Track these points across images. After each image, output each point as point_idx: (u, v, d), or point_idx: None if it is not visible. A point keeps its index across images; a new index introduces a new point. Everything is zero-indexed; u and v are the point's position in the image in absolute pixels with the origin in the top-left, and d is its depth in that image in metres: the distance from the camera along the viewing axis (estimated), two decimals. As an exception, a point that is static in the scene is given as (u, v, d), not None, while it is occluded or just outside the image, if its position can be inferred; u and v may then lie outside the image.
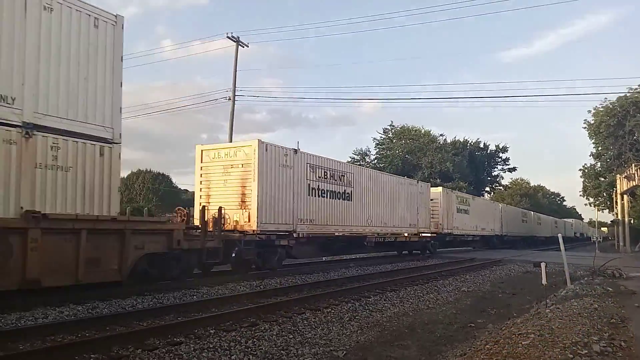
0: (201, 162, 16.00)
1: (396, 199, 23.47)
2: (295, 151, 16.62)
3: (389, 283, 13.15)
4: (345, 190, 19.37)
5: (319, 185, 17.72)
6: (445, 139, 57.54)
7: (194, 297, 10.52)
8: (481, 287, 14.06)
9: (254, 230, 14.70)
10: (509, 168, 66.80)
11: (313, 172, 17.46)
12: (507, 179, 73.64)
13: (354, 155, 54.16)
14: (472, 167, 58.24)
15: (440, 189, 30.05)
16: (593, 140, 46.20)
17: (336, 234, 18.87)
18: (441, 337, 7.53)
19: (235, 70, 30.43)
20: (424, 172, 49.25)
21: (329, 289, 11.56)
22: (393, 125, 55.62)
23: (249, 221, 14.82)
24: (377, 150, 55.10)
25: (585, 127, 46.07)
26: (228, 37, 30.07)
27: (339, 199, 18.97)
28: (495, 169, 67.31)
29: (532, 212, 54.18)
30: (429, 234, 27.38)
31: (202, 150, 16.06)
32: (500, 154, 65.61)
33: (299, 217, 16.59)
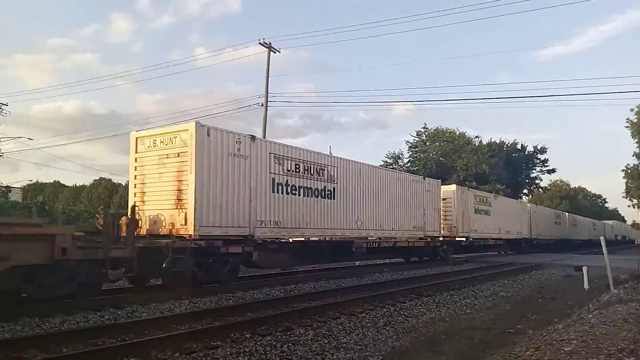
0: (136, 153, 13.10)
1: (395, 197, 20.10)
2: (253, 138, 13.54)
3: (425, 288, 12.96)
4: (325, 187, 16.16)
5: (287, 181, 14.59)
6: (481, 141, 55.54)
7: (230, 301, 10.65)
8: (520, 291, 13.73)
9: (190, 235, 11.68)
10: (548, 169, 64.23)
11: (279, 164, 14.34)
12: (546, 180, 71.31)
13: (387, 159, 52.49)
14: (509, 169, 56.20)
15: (453, 186, 26.43)
16: (636, 140, 42.01)
17: (312, 238, 15.70)
18: (479, 343, 7.41)
19: (268, 76, 30.33)
20: (459, 175, 47.59)
21: (363, 294, 11.43)
22: (427, 128, 53.78)
23: (185, 224, 11.81)
24: (411, 153, 53.33)
25: (627, 126, 41.96)
26: (260, 44, 30.18)
27: (318, 197, 15.78)
28: (534, 171, 64.89)
29: (566, 214, 49.59)
30: (440, 238, 23.85)
31: (136, 138, 13.16)
32: (539, 155, 63.18)
33: (258, 219, 13.49)
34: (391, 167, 47.47)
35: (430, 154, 51.34)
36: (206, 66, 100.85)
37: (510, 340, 7.47)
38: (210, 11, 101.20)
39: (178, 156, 12.18)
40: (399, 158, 52.84)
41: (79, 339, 6.72)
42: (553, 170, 64.56)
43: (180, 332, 7.15)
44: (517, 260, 25.39)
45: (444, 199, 25.73)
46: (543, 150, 62.83)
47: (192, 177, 11.77)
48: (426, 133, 53.62)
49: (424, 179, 22.75)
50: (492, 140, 57.92)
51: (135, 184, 13.03)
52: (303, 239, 15.34)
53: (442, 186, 26.33)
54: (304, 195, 15.18)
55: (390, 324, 8.52)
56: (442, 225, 25.32)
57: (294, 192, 14.79)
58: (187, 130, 12.03)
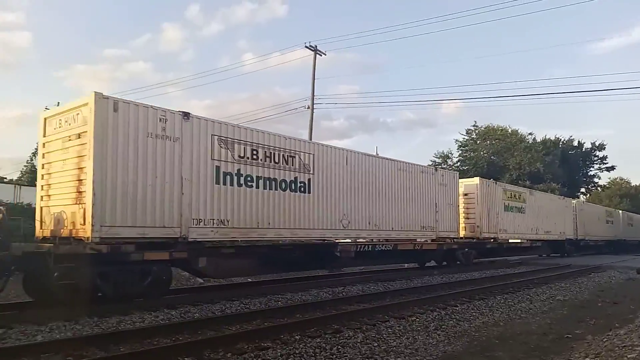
0: (43, 136, 10.64)
1: (397, 192, 16.92)
2: (187, 115, 10.80)
3: (477, 291, 12.58)
4: (297, 179, 13.25)
5: (239, 170, 11.78)
6: (535, 138, 53.49)
7: (279, 302, 10.66)
8: (578, 295, 13.24)
9: (87, 238, 9.07)
10: (606, 167, 61.26)
11: (227, 149, 11.56)
12: (604, 179, 67.85)
13: (435, 159, 51.42)
14: (565, 167, 53.82)
15: (476, 180, 22.82)
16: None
17: (281, 241, 12.86)
18: (535, 349, 7.17)
19: (314, 79, 30.34)
20: (511, 174, 46.13)
21: (413, 297, 11.28)
22: (477, 126, 52.51)
23: (84, 223, 9.22)
24: (460, 152, 52.08)
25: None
26: (306, 47, 30.44)
27: (285, 190, 12.89)
28: (592, 169, 62.20)
29: (620, 212, 44.39)
30: (459, 240, 20.41)
31: (45, 119, 10.69)
32: (597, 152, 60.34)
33: (194, 217, 10.76)
34: (440, 166, 46.08)
35: (481, 153, 50.18)
36: (253, 71, 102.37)
37: (567, 346, 7.28)
38: (257, 17, 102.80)
39: (79, 137, 9.63)
40: (448, 157, 51.82)
41: (135, 339, 6.83)
42: (612, 168, 61.77)
43: (232, 333, 7.23)
44: (577, 262, 24.24)
45: (465, 195, 22.33)
46: (601, 147, 59.85)
47: (90, 163, 9.16)
48: (476, 131, 52.36)
49: (436, 170, 19.36)
50: (547, 137, 55.44)
51: (42, 175, 10.58)
52: (273, 239, 12.46)
53: (462, 180, 22.92)
54: (264, 188, 12.32)
55: (441, 327, 8.35)
56: (462, 225, 22.02)
57: (249, 183, 11.97)
58: (87, 104, 9.43)
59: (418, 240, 17.95)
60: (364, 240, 15.56)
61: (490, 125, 52.02)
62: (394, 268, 19.34)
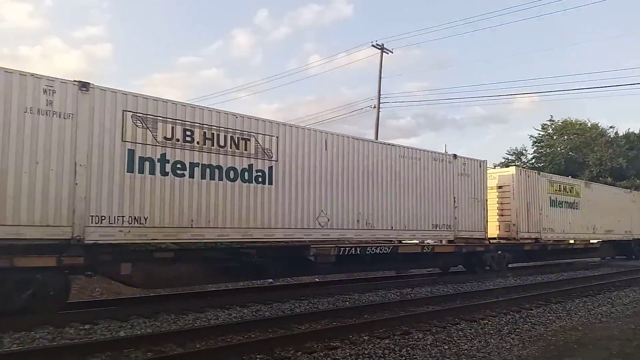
0: None
1: (397, 183, 14.05)
2: (85, 85, 8.62)
3: (554, 294, 12.09)
4: (252, 166, 10.82)
5: (163, 155, 9.51)
6: (617, 132, 48.54)
7: (347, 303, 10.71)
8: None
9: None
10: None
11: (145, 128, 9.31)
12: None
13: (508, 155, 48.37)
14: None
15: (512, 169, 19.28)
16: None
17: (221, 241, 10.52)
18: (617, 355, 6.87)
19: (380, 78, 30.00)
20: (591, 171, 42.75)
21: (485, 300, 10.92)
22: (553, 120, 48.55)
23: None
24: (535, 148, 48.55)
25: None
26: (373, 46, 30.08)
27: (235, 180, 10.52)
28: None
29: None
30: (487, 241, 17.18)
31: None
32: None
33: (95, 214, 8.62)
34: (513, 164, 44.12)
35: (558, 149, 46.73)
36: (320, 73, 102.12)
37: (653, 353, 6.90)
38: (323, 18, 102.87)
39: None
40: (522, 154, 48.90)
41: (210, 336, 6.99)
42: None
43: (301, 332, 7.31)
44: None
45: (499, 187, 18.99)
46: (692, 141, 53.41)
47: None
48: (553, 126, 48.66)
49: (455, 157, 16.17)
50: (630, 130, 49.85)
51: None
52: (217, 240, 10.17)
53: (494, 170, 19.60)
54: (202, 178, 9.99)
55: (515, 331, 8.10)
56: (496, 224, 18.70)
57: (179, 172, 9.68)
58: None
59: (428, 241, 14.98)
60: (351, 242, 12.85)
61: (567, 119, 48.02)
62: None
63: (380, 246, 13.38)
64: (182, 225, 9.65)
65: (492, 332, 8.03)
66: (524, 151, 48.72)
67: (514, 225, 18.54)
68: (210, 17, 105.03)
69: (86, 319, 8.11)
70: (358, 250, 12.80)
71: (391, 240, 13.82)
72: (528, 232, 19.07)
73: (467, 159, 16.70)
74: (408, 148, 14.64)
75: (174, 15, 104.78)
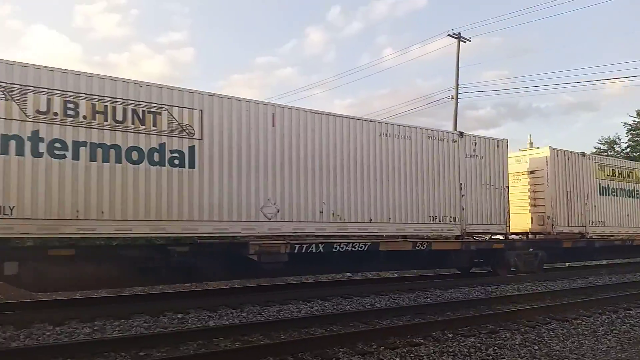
0: None
1: (377, 166, 11.66)
2: None
3: None
4: (164, 145, 8.97)
5: (36, 132, 7.87)
6: None
7: (428, 299, 10.33)
8: None
9: None
10: None
11: (11, 100, 7.72)
12: None
13: (599, 144, 44.57)
14: None
15: (545, 150, 15.94)
16: None
17: (125, 236, 8.75)
18: None
19: (457, 68, 29.22)
20: None
21: (577, 298, 10.14)
22: None
23: None
24: (630, 137, 44.36)
25: None
26: (449, 35, 29.24)
27: (140, 162, 8.72)
28: None
29: None
30: (509, 236, 14.25)
31: None
32: None
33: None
34: (605, 153, 40.10)
35: None
36: (393, 66, 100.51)
37: None
38: (397, 11, 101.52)
39: None
40: (615, 143, 44.91)
41: (293, 327, 7.06)
42: None
43: (384, 327, 7.20)
44: None
45: (531, 172, 15.90)
46: None
47: None
48: None
49: (462, 135, 13.35)
50: None
51: None
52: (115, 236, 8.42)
53: (523, 152, 16.50)
54: (92, 160, 8.23)
55: (612, 332, 7.47)
56: (529, 216, 15.65)
57: (57, 152, 7.97)
58: None
59: (423, 236, 12.37)
60: (311, 238, 10.60)
61: (666, 103, 43.43)
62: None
63: (354, 242, 11.00)
64: (63, 217, 7.94)
65: (586, 332, 7.52)
66: (617, 140, 44.76)
67: (548, 217, 15.33)
68: (285, 17, 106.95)
69: (179, 308, 8.38)
70: (321, 247, 10.52)
71: (369, 236, 11.40)
72: (568, 225, 15.74)
73: (480, 137, 13.84)
74: (393, 125, 12.15)
75: (251, 18, 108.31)
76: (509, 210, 14.11)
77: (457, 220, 12.91)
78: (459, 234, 12.94)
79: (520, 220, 15.93)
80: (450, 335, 6.87)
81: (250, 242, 9.62)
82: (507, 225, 14.04)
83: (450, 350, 6.21)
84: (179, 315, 7.95)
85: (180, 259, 9.21)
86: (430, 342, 6.54)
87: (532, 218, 15.82)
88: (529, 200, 15.90)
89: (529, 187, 15.95)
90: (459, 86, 29.64)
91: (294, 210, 10.29)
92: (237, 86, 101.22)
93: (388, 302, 9.66)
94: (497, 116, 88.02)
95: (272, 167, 10.08)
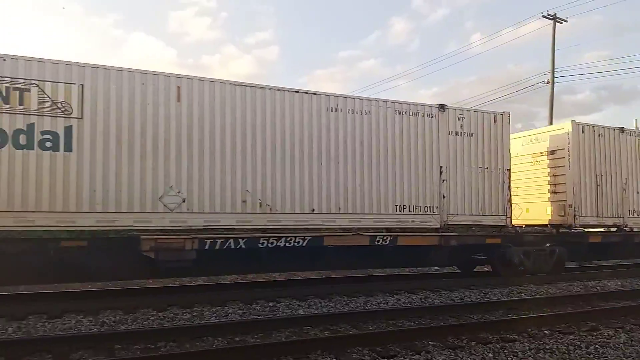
0: None
1: (321, 145, 9.83)
2: None
3: None
4: (32, 126, 7.81)
5: None
6: None
7: (522, 294, 9.78)
8: None
9: None
10: None
11: None
12: None
13: None
14: None
15: (567, 125, 13.05)
16: None
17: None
18: None
19: (553, 50, 28.21)
20: None
21: None
22: None
23: None
24: None
25: None
26: (544, 16, 28.19)
27: (1, 146, 7.61)
28: None
29: None
30: (509, 229, 11.82)
31: None
32: None
33: None
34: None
35: None
36: (482, 52, 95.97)
37: None
38: None
39: None
40: None
41: (381, 319, 7.09)
42: None
43: (475, 322, 7.08)
44: None
45: (551, 153, 13.23)
46: None
47: None
48: None
49: (443, 109, 11.02)
50: None
51: None
52: None
53: (545, 127, 13.86)
54: None
55: None
56: (549, 206, 13.06)
57: None
58: None
59: (385, 229, 10.34)
60: (230, 232, 9.03)
61: None
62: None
63: (288, 237, 9.29)
64: None
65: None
66: None
67: (569, 206, 12.59)
68: (369, 10, 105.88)
69: (270, 296, 8.70)
70: (242, 242, 8.94)
71: (311, 229, 9.61)
72: (598, 216, 12.88)
73: (469, 111, 11.52)
74: (346, 98, 10.20)
75: (334, 12, 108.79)
76: (510, 198, 11.62)
77: (435, 210, 10.74)
78: (438, 226, 10.76)
79: (540, 210, 13.34)
80: (547, 332, 6.56)
81: (143, 237, 8.26)
82: (508, 216, 11.57)
83: (547, 347, 5.93)
84: (270, 304, 8.23)
85: (63, 255, 8.05)
86: (525, 338, 6.27)
87: (552, 208, 13.12)
88: (548, 187, 13.21)
89: (548, 170, 13.25)
90: (555, 69, 28.43)
91: (207, 200, 8.77)
92: (320, 81, 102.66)
93: (479, 297, 9.36)
94: (598, 100, 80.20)
95: (176, 150, 8.62)
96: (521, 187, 13.99)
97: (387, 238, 10.17)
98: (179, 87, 8.72)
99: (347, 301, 8.53)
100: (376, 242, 10.07)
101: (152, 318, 7.12)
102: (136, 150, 8.35)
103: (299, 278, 11.93)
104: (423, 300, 8.93)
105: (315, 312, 7.74)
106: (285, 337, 6.12)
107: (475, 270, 13.04)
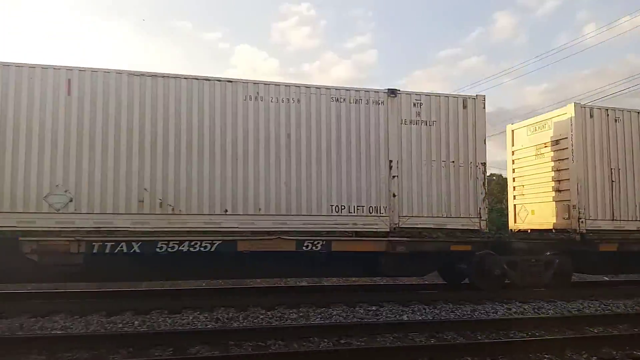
0: None
1: (238, 138, 8.83)
2: None
3: None
4: None
5: None
6: None
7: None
8: None
9: None
10: None
11: None
12: None
13: None
14: None
15: (570, 108, 10.75)
16: None
17: None
18: None
19: None
20: None
21: None
22: None
23: None
24: None
25: None
26: None
27: None
28: None
29: None
30: (483, 234, 9.97)
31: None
32: None
33: None
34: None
35: None
36: (597, 44, 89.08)
37: None
38: None
39: None
40: None
41: (490, 328, 6.91)
42: None
43: (594, 335, 6.71)
44: None
45: (555, 143, 11.17)
46: None
47: None
48: None
49: (394, 94, 9.46)
50: None
51: None
52: None
53: (548, 113, 11.79)
54: None
55: None
56: (553, 207, 10.99)
57: None
58: None
59: (316, 232, 9.03)
60: (124, 234, 8.28)
61: None
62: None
63: (192, 241, 8.38)
64: None
65: None
66: None
67: (574, 207, 10.39)
68: (470, 7, 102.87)
69: (373, 300, 8.79)
70: (136, 246, 8.17)
71: (222, 232, 8.60)
72: (613, 219, 10.55)
73: (428, 95, 9.82)
74: (269, 85, 9.07)
75: (433, 12, 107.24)
76: (485, 197, 9.76)
77: (383, 211, 9.25)
78: (388, 229, 9.25)
79: (545, 211, 11.30)
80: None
81: (21, 239, 7.78)
82: (483, 219, 9.71)
83: None
84: (373, 307, 8.27)
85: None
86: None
87: (557, 209, 10.95)
88: (552, 184, 11.05)
89: (552, 164, 11.09)
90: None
91: (97, 200, 8.12)
92: (419, 82, 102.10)
93: (599, 309, 8.76)
94: None
95: (64, 146, 8.07)
96: (527, 185, 11.97)
97: (317, 243, 8.87)
98: (69, 79, 8.19)
99: (452, 309, 8.32)
100: (304, 248, 8.82)
101: (261, 316, 7.47)
102: (20, 148, 7.92)
103: (401, 283, 11.75)
104: (536, 310, 8.50)
105: (419, 318, 7.66)
106: (390, 342, 6.17)
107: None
